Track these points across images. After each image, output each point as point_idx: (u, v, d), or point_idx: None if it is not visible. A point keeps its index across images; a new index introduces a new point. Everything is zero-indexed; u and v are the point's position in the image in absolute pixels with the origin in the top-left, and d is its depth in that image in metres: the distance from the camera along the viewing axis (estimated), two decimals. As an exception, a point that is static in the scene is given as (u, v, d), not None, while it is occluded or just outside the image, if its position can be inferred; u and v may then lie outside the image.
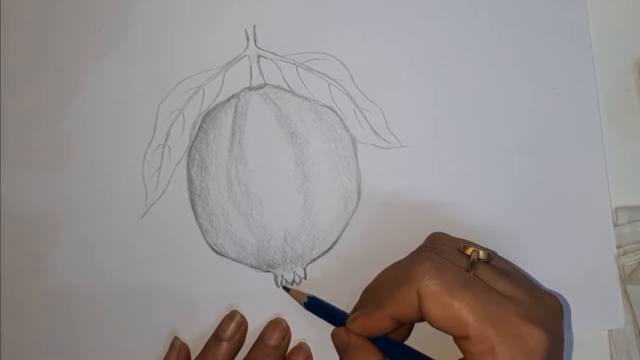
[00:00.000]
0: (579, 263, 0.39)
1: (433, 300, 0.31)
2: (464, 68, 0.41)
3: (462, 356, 0.32)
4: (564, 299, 0.39)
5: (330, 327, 0.37)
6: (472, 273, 0.33)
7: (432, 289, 0.31)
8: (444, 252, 0.34)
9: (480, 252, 0.34)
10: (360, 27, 0.42)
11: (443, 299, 0.31)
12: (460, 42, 0.41)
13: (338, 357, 0.36)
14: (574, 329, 0.39)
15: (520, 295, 0.32)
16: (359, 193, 0.41)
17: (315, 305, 0.39)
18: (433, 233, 0.39)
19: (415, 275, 0.32)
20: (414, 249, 0.37)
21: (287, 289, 0.40)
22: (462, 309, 0.30)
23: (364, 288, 0.37)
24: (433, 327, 0.32)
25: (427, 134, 0.41)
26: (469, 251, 0.34)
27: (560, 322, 0.33)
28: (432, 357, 0.36)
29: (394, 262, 0.36)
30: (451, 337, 0.32)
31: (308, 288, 0.40)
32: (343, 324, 0.36)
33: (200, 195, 0.41)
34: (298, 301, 0.39)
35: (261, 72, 0.42)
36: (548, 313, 0.33)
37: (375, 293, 0.35)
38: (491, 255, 0.34)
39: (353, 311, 0.37)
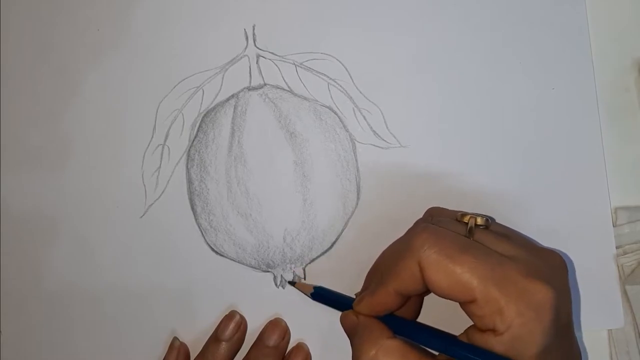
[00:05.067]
0: (579, 263, 0.39)
1: (434, 269, 0.31)
2: (464, 68, 0.41)
3: (469, 325, 0.32)
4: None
5: (330, 323, 0.37)
6: (471, 239, 0.33)
7: (432, 257, 0.31)
8: (441, 223, 0.34)
9: (478, 218, 0.34)
10: (359, 27, 0.42)
11: (444, 265, 0.31)
12: (460, 42, 0.41)
13: (349, 341, 0.35)
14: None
15: (521, 255, 0.32)
16: (358, 193, 0.41)
17: (322, 295, 0.38)
18: (431, 207, 0.38)
19: (414, 246, 0.32)
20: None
21: (292, 283, 0.40)
22: (465, 273, 0.30)
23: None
24: (439, 295, 0.32)
25: (427, 134, 0.41)
26: (467, 218, 0.34)
27: (564, 276, 0.33)
28: (442, 329, 0.35)
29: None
30: (458, 305, 0.32)
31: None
32: (351, 309, 0.36)
33: (200, 195, 0.41)
34: (305, 293, 0.39)
35: (260, 72, 0.42)
36: (551, 269, 0.32)
37: (378, 273, 0.35)
38: (489, 221, 0.34)
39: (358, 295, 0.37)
